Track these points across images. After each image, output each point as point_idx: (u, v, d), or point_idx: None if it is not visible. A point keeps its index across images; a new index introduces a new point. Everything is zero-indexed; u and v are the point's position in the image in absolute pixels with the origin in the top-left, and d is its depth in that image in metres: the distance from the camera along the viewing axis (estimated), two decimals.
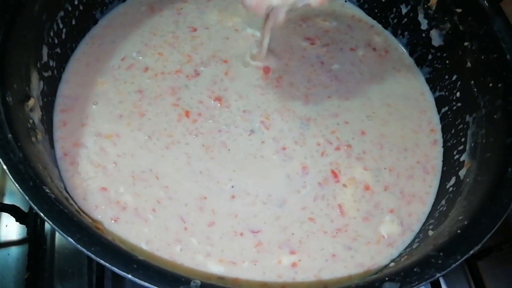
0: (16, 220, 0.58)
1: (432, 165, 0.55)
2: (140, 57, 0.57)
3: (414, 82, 0.62)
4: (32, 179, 0.35)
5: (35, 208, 0.34)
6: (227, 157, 0.51)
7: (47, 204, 0.34)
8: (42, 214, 0.34)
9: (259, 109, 0.55)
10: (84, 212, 0.45)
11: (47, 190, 0.36)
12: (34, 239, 0.58)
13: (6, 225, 0.60)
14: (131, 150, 0.50)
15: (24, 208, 0.58)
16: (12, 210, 0.57)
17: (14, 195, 0.62)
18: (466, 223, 0.40)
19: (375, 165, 0.53)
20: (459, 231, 0.39)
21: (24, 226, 0.59)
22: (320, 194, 0.50)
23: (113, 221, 0.46)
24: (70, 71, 0.55)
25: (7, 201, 0.62)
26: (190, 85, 0.56)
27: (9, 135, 0.37)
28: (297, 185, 0.51)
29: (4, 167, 0.35)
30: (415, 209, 0.51)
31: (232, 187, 0.49)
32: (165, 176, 0.49)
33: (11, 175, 0.35)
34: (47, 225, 0.58)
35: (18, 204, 0.60)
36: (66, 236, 0.33)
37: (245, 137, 0.53)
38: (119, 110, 0.53)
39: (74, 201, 0.45)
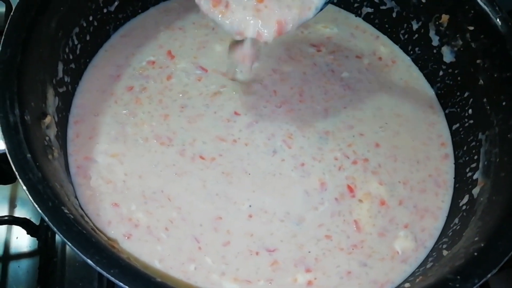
0: (28, 233, 0.58)
1: (444, 179, 0.55)
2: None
3: (422, 95, 0.62)
4: (51, 199, 0.36)
5: (55, 229, 0.34)
6: (246, 180, 0.51)
7: (66, 225, 0.35)
8: (62, 236, 0.34)
9: (281, 130, 0.55)
10: (98, 229, 0.45)
11: (66, 211, 0.36)
12: (45, 252, 0.58)
13: (17, 237, 0.60)
14: (138, 172, 0.50)
15: (35, 221, 0.59)
16: (24, 223, 0.57)
17: (25, 206, 0.62)
18: (482, 245, 0.40)
19: (389, 179, 0.53)
20: (475, 254, 0.39)
21: (35, 238, 0.59)
22: (336, 210, 0.50)
23: (126, 238, 0.46)
24: (86, 81, 0.55)
25: (18, 212, 0.63)
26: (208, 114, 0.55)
27: (28, 155, 0.37)
28: (315, 201, 0.51)
29: (24, 187, 0.35)
30: (427, 224, 0.51)
31: (250, 206, 0.49)
32: (177, 197, 0.49)
33: (31, 196, 0.35)
34: (58, 238, 0.58)
35: (29, 216, 0.60)
36: (85, 258, 0.33)
37: (267, 159, 0.52)
38: (129, 129, 0.52)
39: (88, 217, 0.46)
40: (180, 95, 0.56)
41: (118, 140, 0.51)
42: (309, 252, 0.47)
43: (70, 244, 0.34)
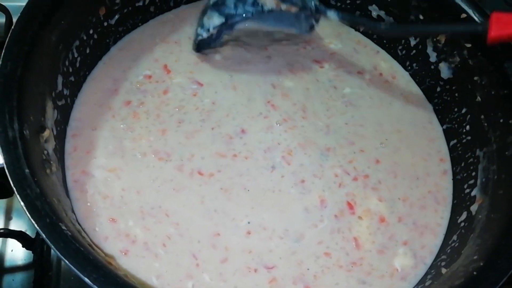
0: (23, 246, 0.58)
1: (443, 196, 0.55)
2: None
3: (422, 111, 0.62)
4: (49, 215, 0.35)
5: (52, 246, 0.33)
6: (245, 196, 0.51)
7: (64, 242, 0.34)
8: (59, 253, 0.33)
9: (281, 146, 0.55)
10: (95, 245, 0.44)
11: (63, 227, 0.35)
12: (40, 265, 0.58)
13: (12, 250, 0.60)
14: (136, 187, 0.49)
15: (31, 233, 0.58)
16: (19, 236, 0.56)
17: (21, 218, 0.62)
18: (481, 264, 0.40)
19: (389, 195, 0.53)
20: (475, 273, 0.39)
21: (30, 251, 0.59)
22: (336, 227, 0.50)
23: (123, 254, 0.45)
24: (84, 94, 0.55)
25: (13, 224, 0.62)
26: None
27: (26, 170, 0.37)
28: (315, 218, 0.50)
29: (22, 204, 0.35)
30: (427, 241, 0.51)
31: (248, 223, 0.49)
32: (175, 213, 0.48)
33: (29, 212, 0.34)
34: (53, 251, 0.57)
35: (24, 228, 0.59)
36: (82, 276, 0.33)
37: (266, 175, 0.52)
38: (127, 144, 0.52)
39: (85, 232, 0.45)
40: (177, 109, 0.56)
41: (115, 155, 0.51)
42: (308, 269, 0.47)
43: (67, 262, 0.33)
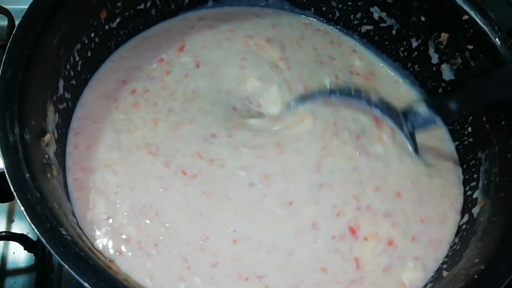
0: (25, 249, 0.58)
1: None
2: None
3: None
4: (49, 220, 0.35)
5: (52, 251, 0.34)
6: (228, 205, 0.48)
7: (64, 247, 0.34)
8: (59, 258, 0.34)
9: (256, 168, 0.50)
10: (96, 248, 0.44)
11: (64, 232, 0.35)
12: (42, 268, 0.58)
13: (14, 253, 0.60)
14: (129, 183, 0.48)
15: (33, 236, 0.58)
16: (21, 239, 0.57)
17: (23, 221, 0.62)
18: (482, 267, 0.39)
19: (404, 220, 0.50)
20: (475, 276, 0.39)
21: (32, 254, 0.59)
22: (333, 248, 0.47)
23: (118, 254, 0.45)
24: (87, 92, 0.55)
25: (15, 227, 0.62)
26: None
27: (27, 175, 0.37)
28: (307, 239, 0.47)
29: (22, 208, 0.35)
30: (439, 255, 0.49)
31: (234, 231, 0.47)
32: (165, 213, 0.47)
33: (29, 217, 0.35)
34: None
35: (26, 231, 0.60)
36: (82, 281, 0.33)
37: (245, 189, 0.49)
38: (123, 137, 0.51)
39: (85, 235, 0.45)
40: (170, 94, 0.54)
41: (113, 148, 0.50)
42: (302, 281, 0.45)
43: (67, 267, 0.33)
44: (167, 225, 0.47)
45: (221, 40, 0.62)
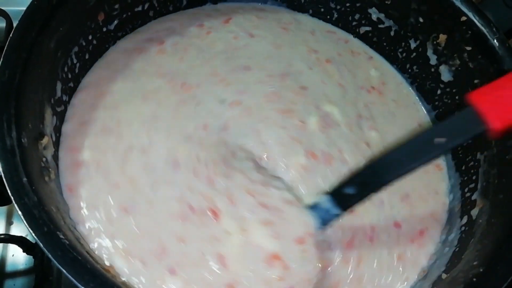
0: (24, 251, 0.58)
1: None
2: None
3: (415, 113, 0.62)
4: (47, 224, 0.35)
5: (50, 255, 0.34)
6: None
7: (61, 251, 0.34)
8: (56, 262, 0.33)
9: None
10: (94, 252, 0.44)
11: (61, 236, 0.35)
12: (41, 270, 0.58)
13: (13, 255, 0.60)
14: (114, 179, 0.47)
15: (31, 239, 0.58)
16: (20, 241, 0.57)
17: (22, 223, 0.61)
18: (481, 270, 0.39)
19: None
20: (474, 279, 0.39)
21: (31, 256, 0.59)
22: None
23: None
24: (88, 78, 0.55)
25: (14, 229, 0.62)
26: None
27: (24, 179, 0.37)
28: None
29: (19, 212, 0.35)
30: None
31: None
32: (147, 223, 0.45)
33: (26, 221, 0.35)
34: None
35: (25, 233, 0.60)
36: (80, 286, 0.33)
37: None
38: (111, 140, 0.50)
39: (83, 238, 0.45)
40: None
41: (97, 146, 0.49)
42: None
43: (64, 271, 0.33)
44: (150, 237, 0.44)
45: None
